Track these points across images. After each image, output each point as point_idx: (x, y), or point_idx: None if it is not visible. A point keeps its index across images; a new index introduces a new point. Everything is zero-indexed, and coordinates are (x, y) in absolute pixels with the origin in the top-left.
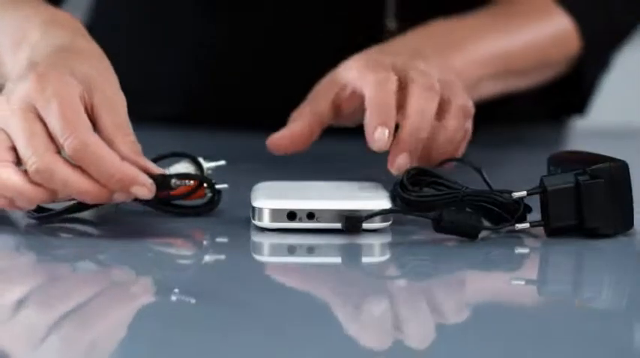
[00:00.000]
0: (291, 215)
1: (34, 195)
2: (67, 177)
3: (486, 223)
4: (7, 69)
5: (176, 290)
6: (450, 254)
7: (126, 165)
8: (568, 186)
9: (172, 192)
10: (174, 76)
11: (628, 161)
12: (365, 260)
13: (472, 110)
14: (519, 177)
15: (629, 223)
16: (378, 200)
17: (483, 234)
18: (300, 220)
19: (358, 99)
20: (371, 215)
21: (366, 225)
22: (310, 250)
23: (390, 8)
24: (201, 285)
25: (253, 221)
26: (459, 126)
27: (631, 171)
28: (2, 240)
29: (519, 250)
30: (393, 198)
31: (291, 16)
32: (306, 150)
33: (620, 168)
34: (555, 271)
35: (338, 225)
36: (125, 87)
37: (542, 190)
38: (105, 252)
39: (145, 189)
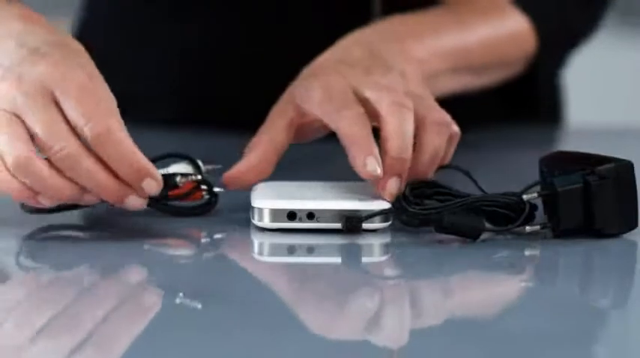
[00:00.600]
0: (291, 215)
1: (62, 186)
2: (91, 167)
3: (489, 226)
4: None
5: (181, 294)
6: (454, 255)
7: (142, 156)
8: (577, 187)
9: (171, 193)
10: (160, 78)
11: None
12: (365, 260)
13: (448, 121)
14: (508, 178)
15: (634, 223)
16: (378, 200)
17: (487, 235)
18: (300, 220)
19: (319, 124)
20: (371, 215)
21: (365, 225)
22: (310, 250)
23: (376, 7)
24: (202, 285)
25: (253, 221)
26: (439, 140)
27: None
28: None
29: (527, 252)
30: (399, 214)
31: (276, 14)
32: (305, 152)
33: (626, 168)
34: (564, 272)
35: (338, 225)
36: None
37: (552, 191)
38: (104, 253)
39: (156, 184)
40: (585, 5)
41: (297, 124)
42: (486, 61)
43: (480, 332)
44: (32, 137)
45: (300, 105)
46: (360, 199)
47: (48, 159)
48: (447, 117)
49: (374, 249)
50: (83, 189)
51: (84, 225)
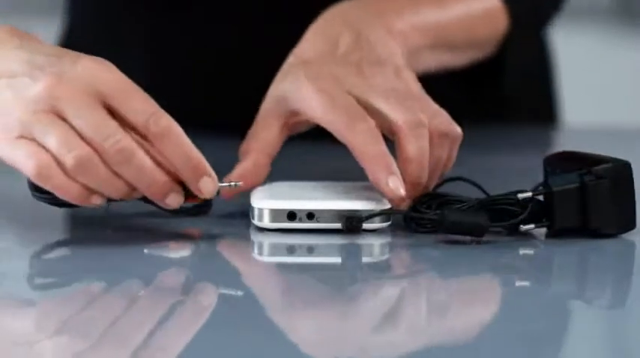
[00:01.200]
0: (291, 215)
1: (118, 183)
2: (144, 161)
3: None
4: None
5: (142, 292)
6: (453, 255)
7: (200, 153)
8: (573, 187)
9: None
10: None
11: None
12: (365, 260)
13: (452, 127)
14: (509, 179)
15: (631, 223)
16: (378, 200)
17: (488, 236)
18: (300, 220)
19: (310, 121)
20: (371, 215)
21: (366, 225)
22: (310, 250)
23: None
24: (201, 284)
25: (253, 221)
26: (442, 151)
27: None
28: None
29: (523, 251)
30: (409, 224)
31: (266, 20)
32: (304, 153)
33: (624, 168)
34: (560, 272)
35: (338, 225)
36: None
37: (547, 191)
38: (101, 253)
39: (212, 183)
40: None
41: (290, 124)
42: (463, 39)
43: (474, 331)
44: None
45: (295, 108)
46: (360, 199)
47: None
48: (450, 121)
49: (374, 249)
50: (133, 187)
51: (84, 227)
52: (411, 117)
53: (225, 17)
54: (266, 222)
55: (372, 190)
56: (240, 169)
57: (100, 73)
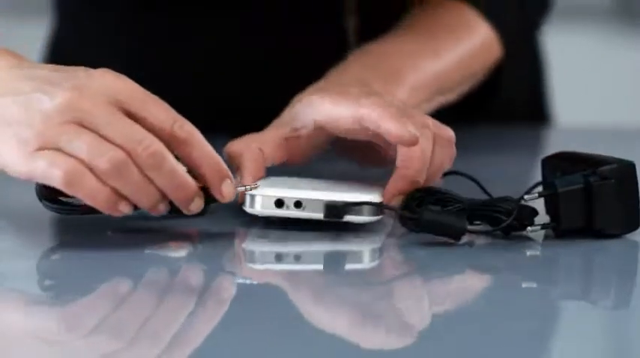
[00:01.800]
0: (279, 203)
1: (149, 189)
2: (174, 165)
3: (478, 227)
4: None
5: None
6: (455, 256)
7: (220, 157)
8: (578, 188)
9: None
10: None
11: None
12: (350, 267)
13: (452, 134)
14: (509, 180)
15: (635, 223)
16: (367, 193)
17: (489, 236)
18: (288, 208)
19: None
20: (353, 203)
21: (351, 218)
22: (297, 258)
23: (351, 36)
24: (190, 286)
25: (244, 208)
26: (446, 156)
27: None
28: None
29: (529, 252)
30: (403, 222)
31: (251, 45)
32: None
33: (628, 169)
34: (566, 272)
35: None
36: None
37: (552, 192)
38: (101, 254)
39: (233, 186)
40: None
41: (295, 137)
42: (457, 82)
43: (481, 332)
44: None
45: (318, 117)
46: (350, 192)
47: None
48: (450, 131)
49: (363, 255)
50: (162, 195)
51: (83, 228)
52: (418, 119)
53: (212, 20)
54: (257, 208)
55: (366, 186)
56: (251, 172)
57: (117, 83)
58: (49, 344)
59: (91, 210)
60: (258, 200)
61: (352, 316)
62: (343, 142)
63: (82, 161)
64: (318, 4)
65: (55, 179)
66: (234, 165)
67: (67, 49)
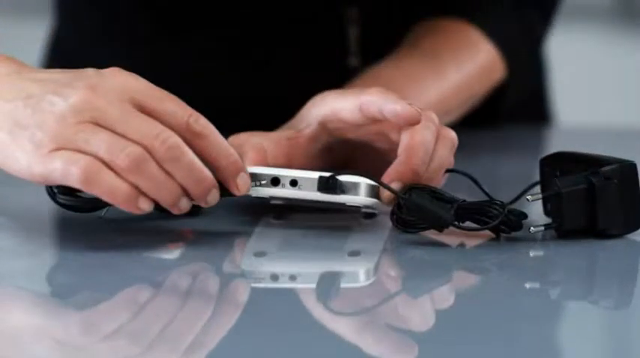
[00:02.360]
0: (275, 181)
1: (170, 185)
2: (193, 158)
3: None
4: None
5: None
6: (458, 256)
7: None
8: (581, 188)
9: None
10: None
11: None
12: (345, 285)
13: (456, 140)
14: (508, 180)
15: (637, 223)
16: (362, 176)
17: (490, 236)
18: (284, 186)
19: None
20: (347, 173)
21: (348, 198)
22: (292, 277)
23: (352, 46)
24: (202, 284)
25: None
26: (447, 155)
27: None
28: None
29: (531, 253)
30: (395, 221)
31: (252, 54)
32: None
33: (630, 169)
34: (569, 273)
35: (319, 194)
36: None
37: (555, 192)
38: (100, 255)
39: (248, 179)
40: (543, 10)
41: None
42: (459, 104)
43: (483, 333)
44: None
45: (336, 107)
46: (347, 173)
47: None
48: (453, 133)
49: (359, 275)
50: (183, 190)
51: (81, 230)
52: (424, 111)
53: (212, 20)
54: (253, 186)
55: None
56: (253, 159)
57: (130, 81)
58: (61, 345)
59: (105, 204)
60: (255, 179)
61: (354, 321)
62: (344, 150)
63: (99, 159)
64: (319, 12)
65: (74, 177)
66: None
67: (67, 49)
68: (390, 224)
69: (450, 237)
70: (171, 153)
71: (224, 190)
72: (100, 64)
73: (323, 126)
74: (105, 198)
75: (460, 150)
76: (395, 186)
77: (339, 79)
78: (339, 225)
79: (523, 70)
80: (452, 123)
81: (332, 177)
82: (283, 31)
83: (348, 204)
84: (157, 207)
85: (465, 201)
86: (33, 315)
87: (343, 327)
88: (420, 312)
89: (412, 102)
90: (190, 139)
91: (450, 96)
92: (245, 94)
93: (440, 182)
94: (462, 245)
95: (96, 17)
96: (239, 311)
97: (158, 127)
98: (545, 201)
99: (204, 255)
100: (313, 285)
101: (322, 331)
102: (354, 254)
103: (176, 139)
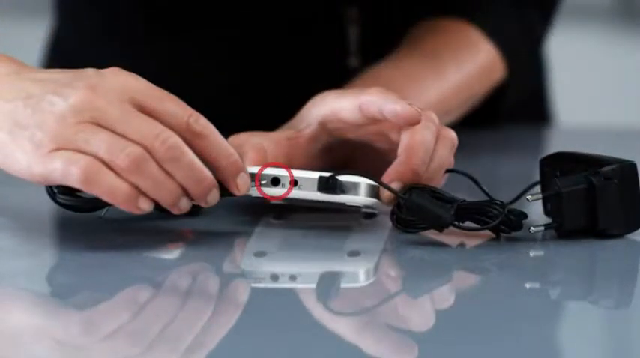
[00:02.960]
0: (275, 181)
1: (170, 185)
2: (193, 158)
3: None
4: None
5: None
6: (459, 256)
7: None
8: (581, 188)
9: None
10: None
11: None
12: (345, 285)
13: (456, 141)
14: (511, 180)
15: (636, 223)
16: (362, 176)
17: (491, 236)
18: (284, 186)
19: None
20: (347, 173)
21: (348, 198)
22: (292, 277)
23: (352, 46)
24: (201, 285)
25: None
26: (447, 156)
27: None
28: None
29: (532, 253)
30: (395, 221)
31: (252, 54)
32: None
33: (630, 169)
34: (569, 273)
35: (319, 194)
36: None
37: (555, 192)
38: (96, 253)
39: (248, 179)
40: (543, 10)
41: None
42: (459, 104)
43: (483, 333)
44: None
45: (335, 106)
46: (347, 174)
47: None
48: (454, 133)
49: (358, 276)
50: (183, 190)
51: (81, 231)
52: (424, 111)
53: (212, 19)
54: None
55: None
56: (253, 158)
57: (130, 81)
58: (61, 345)
59: (105, 204)
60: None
61: (354, 321)
62: (344, 150)
63: (99, 159)
64: (319, 12)
65: (74, 177)
66: None
67: (67, 49)
68: (390, 224)
69: (450, 237)
70: (171, 153)
71: (224, 190)
72: (100, 64)
73: (323, 126)
74: (105, 198)
75: (460, 150)
76: (395, 186)
77: (339, 79)
78: (339, 225)
79: (523, 70)
80: (452, 123)
81: (332, 177)
82: (283, 31)
83: (348, 204)
84: (157, 207)
85: (465, 201)
86: (33, 315)
87: (343, 327)
88: (420, 312)
89: (412, 102)
90: (190, 139)
91: (450, 96)
92: (245, 94)
93: (440, 182)
94: (462, 245)
95: (96, 17)
96: (239, 311)
97: (158, 127)
98: (545, 201)
99: (204, 255)
100: (313, 285)
101: (322, 331)
102: (354, 254)
103: (176, 139)
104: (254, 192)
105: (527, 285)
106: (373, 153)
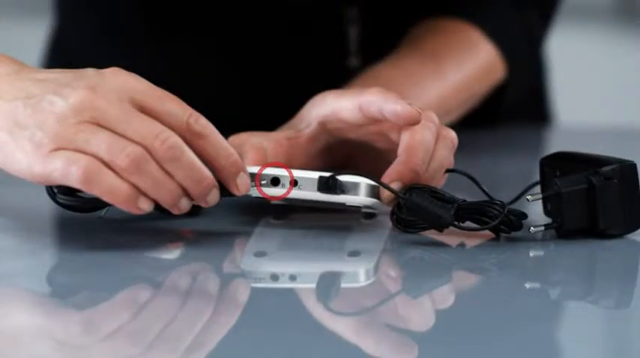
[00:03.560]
0: (275, 180)
1: (170, 185)
2: (193, 158)
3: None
4: None
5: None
6: (459, 256)
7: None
8: (582, 188)
9: None
10: None
11: None
12: (345, 285)
13: (456, 141)
14: (511, 180)
15: (636, 223)
16: (362, 176)
17: (490, 236)
18: (284, 186)
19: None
20: (347, 173)
21: (348, 198)
22: (292, 277)
23: (352, 46)
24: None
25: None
26: (447, 156)
27: None
28: None
29: (532, 253)
30: (395, 221)
31: (252, 54)
32: None
33: (630, 169)
34: (569, 273)
35: (319, 194)
36: None
37: (555, 192)
38: (96, 253)
39: (248, 179)
40: (543, 10)
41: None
42: (458, 104)
43: (483, 333)
44: None
45: (336, 106)
46: (347, 174)
47: None
48: (454, 133)
49: (358, 276)
50: (183, 190)
51: (80, 231)
52: (424, 112)
53: (213, 19)
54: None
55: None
56: (253, 158)
57: (130, 81)
58: (61, 345)
59: (105, 204)
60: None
61: (354, 321)
62: (344, 150)
63: (99, 159)
64: (319, 12)
65: (74, 177)
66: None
67: (67, 49)
68: (390, 224)
69: (450, 237)
70: (171, 153)
71: (224, 190)
72: (100, 64)
73: (323, 126)
74: (105, 198)
75: (460, 150)
76: (395, 186)
77: (339, 79)
78: (339, 225)
79: (523, 70)
80: (452, 123)
81: (332, 177)
82: (283, 31)
83: (348, 204)
84: (157, 207)
85: (465, 201)
86: (33, 315)
87: (343, 327)
88: (420, 312)
89: (412, 102)
90: (190, 139)
91: (450, 96)
92: (245, 94)
93: (440, 182)
94: (462, 245)
95: (96, 17)
96: (239, 311)
97: (158, 127)
98: (545, 201)
99: (204, 255)
100: (313, 285)
101: (322, 331)
102: (354, 254)
103: (176, 139)
104: (254, 192)
105: (527, 285)
106: (373, 153)
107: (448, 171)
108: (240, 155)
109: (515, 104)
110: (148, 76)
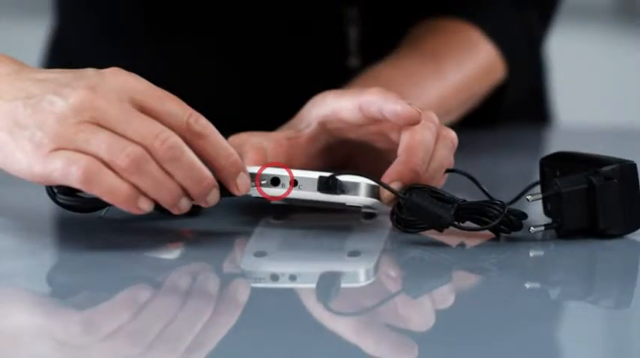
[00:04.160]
0: (275, 180)
1: (170, 184)
2: (193, 158)
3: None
4: None
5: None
6: (459, 256)
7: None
8: (581, 188)
9: None
10: None
11: None
12: (345, 285)
13: (456, 141)
14: (511, 180)
15: (636, 223)
16: (362, 176)
17: (490, 236)
18: (284, 186)
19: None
20: (347, 173)
21: (348, 198)
22: (292, 277)
23: (352, 46)
24: (201, 285)
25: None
26: (447, 156)
27: None
28: None
29: (532, 253)
30: (395, 221)
31: (252, 54)
32: None
33: (630, 169)
34: (569, 273)
35: (319, 194)
36: None
37: (555, 192)
38: (96, 253)
39: (247, 179)
40: (543, 10)
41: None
42: (458, 104)
43: (483, 333)
44: None
45: (336, 106)
46: (347, 174)
47: None
48: (454, 134)
49: (358, 276)
50: (183, 190)
51: (80, 231)
52: (424, 112)
53: (213, 19)
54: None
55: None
56: (253, 158)
57: (130, 81)
58: (61, 345)
59: (105, 204)
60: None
61: (354, 321)
62: (344, 150)
63: (99, 159)
64: (319, 12)
65: (74, 177)
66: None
67: (67, 49)
68: (390, 224)
69: (450, 237)
70: (171, 153)
71: (224, 190)
72: (100, 64)
73: (323, 126)
74: (105, 198)
75: (460, 150)
76: (395, 186)
77: (339, 79)
78: (339, 225)
79: (523, 70)
80: (452, 123)
81: (332, 177)
82: (283, 31)
83: (348, 204)
84: (157, 207)
85: (465, 201)
86: (33, 315)
87: (343, 327)
88: (420, 312)
89: (412, 102)
90: (190, 139)
91: (450, 96)
92: (245, 94)
93: (440, 182)
94: (462, 245)
95: (96, 17)
96: (239, 311)
97: (158, 127)
98: (545, 201)
99: (204, 255)
100: (313, 285)
101: (322, 331)
102: (354, 254)
103: (176, 139)
104: (254, 192)
105: (527, 285)
106: (373, 153)
107: (448, 171)
108: (240, 155)
109: (515, 104)
110: (148, 76)
